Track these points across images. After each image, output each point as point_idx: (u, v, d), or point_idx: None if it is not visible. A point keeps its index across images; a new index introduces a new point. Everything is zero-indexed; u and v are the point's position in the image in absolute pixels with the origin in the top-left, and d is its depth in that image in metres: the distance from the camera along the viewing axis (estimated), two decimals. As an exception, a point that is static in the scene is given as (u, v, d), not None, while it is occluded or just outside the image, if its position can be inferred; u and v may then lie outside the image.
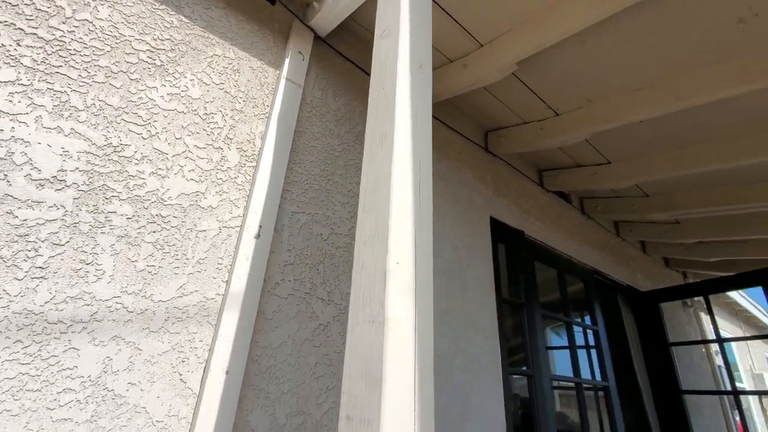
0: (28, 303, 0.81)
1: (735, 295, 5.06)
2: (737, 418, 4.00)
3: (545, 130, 2.00)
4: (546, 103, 1.91)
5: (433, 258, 1.63)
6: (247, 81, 1.34)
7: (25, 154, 0.88)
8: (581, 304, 2.77)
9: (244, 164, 1.24)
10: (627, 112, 1.71)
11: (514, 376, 2.00)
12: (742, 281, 2.80)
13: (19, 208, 0.85)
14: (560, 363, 3.80)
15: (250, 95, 1.33)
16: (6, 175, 0.85)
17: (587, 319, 2.73)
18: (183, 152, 1.12)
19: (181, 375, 0.94)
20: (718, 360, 4.20)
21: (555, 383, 2.18)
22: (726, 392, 2.87)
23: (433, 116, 1.98)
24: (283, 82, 1.39)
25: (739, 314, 5.64)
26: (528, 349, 1.97)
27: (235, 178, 1.21)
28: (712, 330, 3.15)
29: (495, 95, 1.93)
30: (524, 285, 2.13)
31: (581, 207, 2.98)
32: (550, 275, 2.59)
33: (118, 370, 0.87)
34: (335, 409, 1.18)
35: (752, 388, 5.23)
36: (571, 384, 2.35)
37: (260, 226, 1.16)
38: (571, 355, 2.42)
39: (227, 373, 0.97)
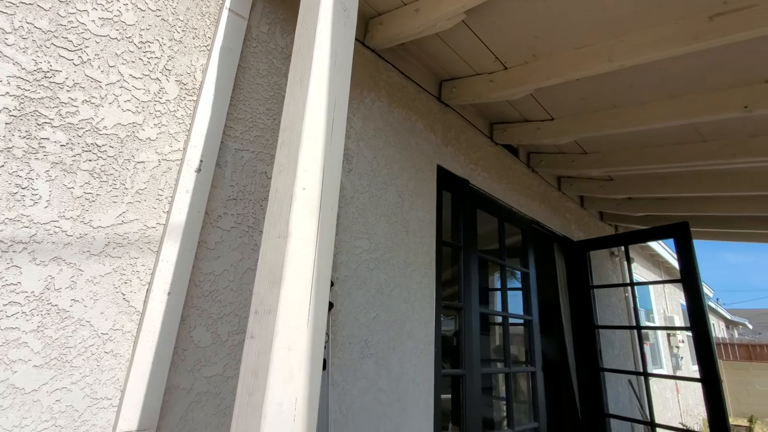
0: (-38, 222, 0.84)
1: (657, 247, 5.66)
2: (642, 352, 4.67)
3: (494, 83, 2.08)
4: (495, 55, 1.97)
5: (376, 200, 1.72)
6: (186, 9, 1.29)
7: (-58, 72, 0.86)
8: (518, 251, 3.04)
9: (184, 97, 1.24)
10: (566, 70, 1.80)
11: (449, 312, 2.24)
12: (656, 233, 3.16)
13: (-58, 128, 0.84)
14: (503, 304, 4.17)
15: (190, 25, 1.29)
16: (-77, 93, 0.83)
17: (524, 264, 3.01)
18: (117, 81, 1.11)
19: (124, 295, 1.02)
20: (619, 303, 4.79)
21: (503, 324, 2.44)
22: (629, 327, 3.32)
23: (387, 62, 2.00)
24: (225, 12, 1.35)
25: (661, 264, 6.34)
26: (461, 286, 2.20)
27: (175, 111, 1.21)
28: (627, 276, 3.57)
29: (448, 44, 1.95)
30: (464, 230, 2.31)
31: (527, 161, 3.16)
32: (494, 226, 2.80)
33: (60, 288, 0.93)
34: (275, 330, 1.32)
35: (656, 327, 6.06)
36: (500, 318, 2.66)
37: (201, 161, 1.20)
38: (501, 295, 2.70)
39: (169, 294, 1.06)
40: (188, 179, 1.17)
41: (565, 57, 1.82)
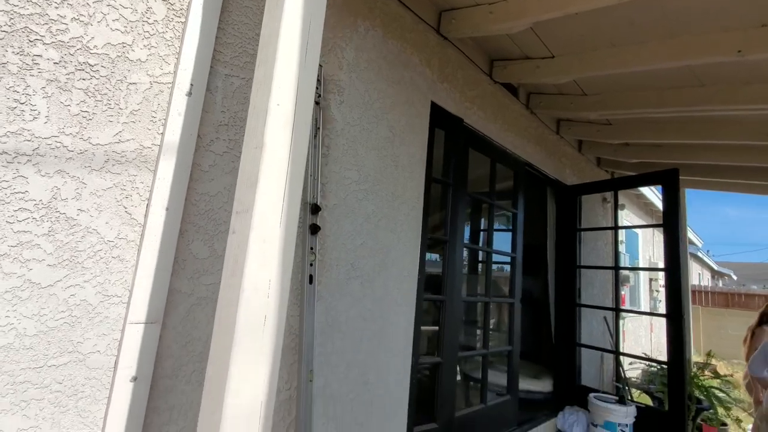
0: (-31, 133, 0.91)
1: (652, 196, 5.73)
2: (622, 293, 4.94)
3: (494, 14, 2.01)
4: (496, -16, 1.88)
5: (366, 133, 1.76)
6: None
7: (-70, -18, 0.87)
8: (508, 193, 3.11)
9: (172, 19, 1.24)
10: (566, 2, 1.74)
11: (435, 245, 2.36)
12: (646, 179, 3.22)
13: (-62, 40, 0.88)
14: (488, 241, 4.34)
15: (174, -61, 1.25)
16: None
17: (513, 205, 3.09)
18: (103, 1, 1.11)
19: (126, 208, 1.12)
20: (621, 247, 4.98)
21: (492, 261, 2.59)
22: (608, 267, 3.50)
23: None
24: (211, -73, 1.30)
25: (654, 213, 6.45)
26: (448, 222, 2.30)
27: (164, 33, 1.22)
28: (621, 222, 3.68)
29: (447, -30, 1.86)
30: (455, 168, 2.36)
31: (527, 102, 3.12)
32: (487, 169, 2.84)
33: (67, 198, 1.02)
34: (267, 249, 1.44)
35: (644, 275, 6.34)
36: (488, 251, 2.81)
37: (191, 85, 1.23)
38: (488, 233, 2.82)
39: (167, 209, 1.15)
40: (180, 102, 1.21)
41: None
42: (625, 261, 4.96)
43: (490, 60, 2.69)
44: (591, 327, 3.97)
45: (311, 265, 1.43)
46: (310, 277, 1.42)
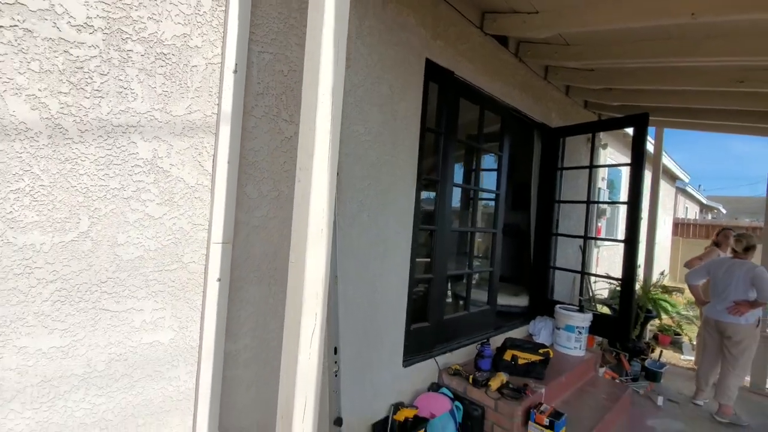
0: (97, 113, 1.30)
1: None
2: (598, 224, 5.47)
3: (482, -23, 2.24)
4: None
5: (370, 93, 2.11)
6: None
7: (62, 5, 1.21)
8: (496, 136, 3.47)
9: (216, 9, 1.56)
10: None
11: (428, 185, 2.79)
12: (619, 123, 3.56)
13: (71, 47, 1.24)
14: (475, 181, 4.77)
15: (211, -63, 1.52)
16: (55, 23, 1.20)
17: (498, 148, 3.47)
18: (167, -2, 1.43)
19: (200, 162, 1.54)
20: (601, 184, 5.42)
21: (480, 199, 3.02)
22: (581, 201, 3.96)
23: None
24: None
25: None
26: (440, 165, 2.72)
27: (211, 21, 1.55)
28: (606, 159, 4.08)
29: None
30: (446, 117, 2.72)
31: (516, 51, 3.36)
32: (478, 114, 3.17)
33: (162, 156, 1.44)
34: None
35: (624, 207, 6.84)
36: (474, 188, 3.26)
37: (236, 63, 1.59)
38: (475, 173, 3.24)
39: (228, 162, 1.57)
40: (229, 78, 1.57)
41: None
42: (604, 196, 5.43)
43: (482, 13, 2.90)
44: (566, 253, 4.56)
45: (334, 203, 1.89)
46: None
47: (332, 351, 1.86)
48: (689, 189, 13.58)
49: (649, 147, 6.51)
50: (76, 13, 1.24)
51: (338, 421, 1.80)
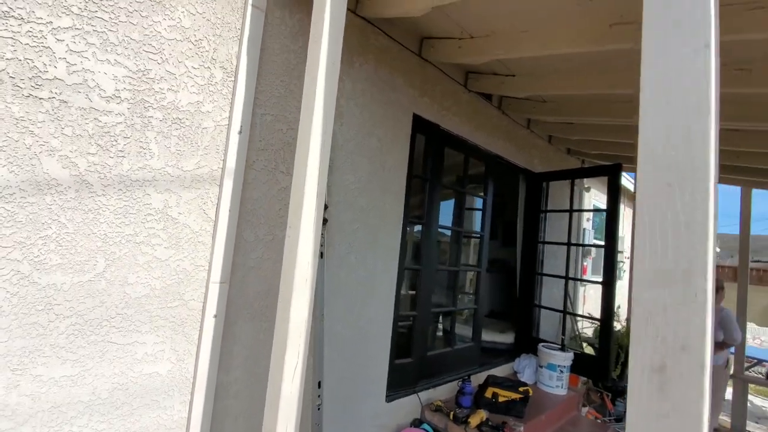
0: (119, 171, 1.52)
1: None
2: (584, 263, 5.64)
3: (462, 48, 2.54)
4: (462, 27, 2.41)
5: (360, 146, 2.35)
6: (221, 8, 1.78)
7: (93, 79, 1.45)
8: (481, 178, 3.71)
9: (226, 79, 1.81)
10: (513, 47, 2.28)
11: (414, 227, 3.00)
12: (595, 172, 3.81)
13: (101, 115, 1.47)
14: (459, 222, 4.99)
15: (225, 21, 1.80)
16: (87, 95, 1.44)
17: (482, 191, 3.71)
18: (185, 72, 1.68)
19: (204, 210, 1.74)
20: (586, 224, 5.64)
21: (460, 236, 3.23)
22: (562, 243, 4.15)
23: (374, 26, 2.42)
24: (249, 8, 1.84)
25: (626, 193, 7.09)
26: (425, 208, 2.94)
27: (221, 90, 1.80)
28: (589, 201, 4.31)
29: (427, 17, 2.38)
30: (432, 165, 2.97)
31: (499, 104, 3.66)
32: (462, 161, 3.43)
33: (171, 206, 1.65)
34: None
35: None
36: (458, 230, 3.46)
37: (241, 125, 1.82)
38: (459, 215, 3.46)
39: (230, 210, 1.77)
40: (234, 138, 1.80)
41: (513, 36, 2.28)
42: (589, 236, 5.64)
43: (466, 73, 3.21)
44: (552, 292, 4.70)
45: (322, 246, 2.08)
46: (321, 254, 2.07)
47: (316, 385, 1.99)
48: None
49: (631, 187, 6.81)
50: (106, 86, 1.48)
51: (319, 453, 1.91)
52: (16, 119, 1.30)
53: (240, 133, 1.82)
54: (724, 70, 2.01)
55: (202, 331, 1.72)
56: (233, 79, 1.83)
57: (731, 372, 4.49)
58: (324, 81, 1.26)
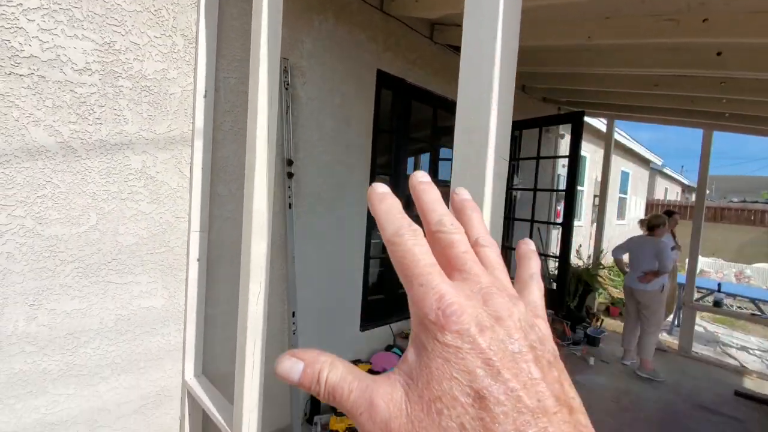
0: (99, 136, 1.72)
1: (596, 123, 6.45)
2: (558, 207, 5.94)
3: (419, 2, 2.62)
4: (417, -18, 2.48)
5: (323, 104, 2.53)
6: (177, -24, 1.89)
7: (65, 54, 1.62)
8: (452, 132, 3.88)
9: (187, 46, 1.96)
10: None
11: (381, 176, 3.23)
12: (559, 120, 3.98)
13: (76, 87, 1.65)
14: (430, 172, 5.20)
15: (182, -12, 1.91)
16: (62, 69, 1.61)
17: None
18: (148, 42, 1.83)
19: (179, 168, 1.97)
20: (561, 170, 5.86)
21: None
22: (529, 189, 4.40)
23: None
24: (204, -26, 1.94)
25: (602, 137, 7.22)
26: (392, 161, 3.15)
27: (184, 57, 1.95)
28: (562, 148, 4.51)
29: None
30: (398, 119, 3.14)
31: (467, 54, 3.73)
32: (432, 115, 3.58)
33: (149, 166, 1.87)
34: (262, 188, 2.32)
35: (588, 191, 7.33)
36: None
37: (206, 89, 2.00)
38: (433, 166, 3.68)
39: (202, 168, 2.00)
40: (200, 102, 1.99)
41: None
42: (563, 182, 5.89)
43: (431, 25, 3.27)
44: (523, 235, 5.04)
45: (289, 197, 2.33)
46: (290, 204, 2.33)
47: (291, 314, 2.34)
48: (668, 171, 14.05)
49: (617, 137, 6.95)
50: (77, 60, 1.65)
51: (295, 368, 2.30)
52: (2, 95, 1.50)
53: (205, 97, 2.00)
54: (655, 20, 2.15)
55: (188, 272, 2.03)
56: (194, 45, 1.98)
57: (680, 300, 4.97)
58: (267, 39, 1.43)
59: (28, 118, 1.56)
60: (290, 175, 2.32)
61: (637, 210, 10.86)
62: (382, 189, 0.24)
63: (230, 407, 1.71)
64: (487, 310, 0.18)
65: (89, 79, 1.68)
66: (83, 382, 1.77)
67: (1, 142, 1.51)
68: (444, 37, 3.27)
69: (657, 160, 10.94)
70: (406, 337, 3.23)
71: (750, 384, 3.95)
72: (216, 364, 2.19)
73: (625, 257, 4.12)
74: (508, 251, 4.57)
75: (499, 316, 0.18)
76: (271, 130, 1.49)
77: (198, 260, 2.03)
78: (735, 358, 4.71)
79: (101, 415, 1.83)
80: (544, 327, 0.19)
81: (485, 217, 0.79)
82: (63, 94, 1.63)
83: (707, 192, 4.57)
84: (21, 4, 1.51)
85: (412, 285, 0.19)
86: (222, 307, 2.21)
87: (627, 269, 4.05)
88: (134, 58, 1.79)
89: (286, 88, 2.30)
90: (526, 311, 0.19)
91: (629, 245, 4.03)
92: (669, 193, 16.31)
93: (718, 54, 2.48)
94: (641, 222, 4.24)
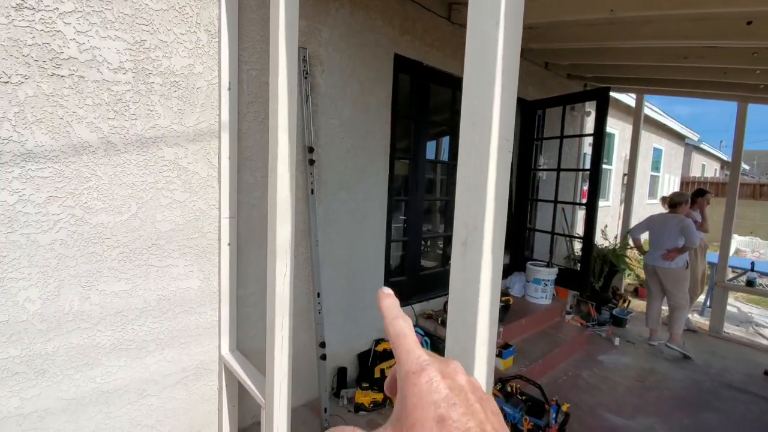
0: (135, 131, 1.85)
1: (626, 99, 6.17)
2: (585, 188, 5.80)
3: (435, -17, 2.59)
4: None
5: (342, 90, 2.58)
6: (199, -27, 1.96)
7: (101, 55, 1.74)
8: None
9: (211, 41, 2.05)
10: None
11: (401, 161, 3.27)
12: (584, 96, 3.86)
13: (112, 85, 1.77)
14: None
15: (203, -16, 1.98)
16: (98, 69, 1.73)
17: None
18: (174, 39, 1.93)
19: (209, 159, 2.09)
20: (588, 149, 5.70)
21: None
22: (552, 169, 4.32)
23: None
24: (224, -31, 2.00)
25: (632, 113, 6.91)
26: (411, 145, 3.18)
27: (208, 51, 2.04)
28: (587, 127, 4.40)
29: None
30: (416, 104, 3.15)
31: (487, 33, 3.66)
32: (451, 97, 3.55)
33: (181, 157, 2.00)
34: (285, 175, 2.41)
35: (617, 170, 7.08)
36: (442, 161, 3.72)
37: (230, 82, 2.09)
38: (450, 148, 3.68)
39: (229, 158, 2.11)
40: (225, 95, 2.08)
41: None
42: (587, 161, 5.73)
43: (449, 4, 3.23)
44: (547, 216, 4.98)
45: (312, 183, 2.43)
46: (312, 190, 2.43)
47: (316, 295, 2.46)
48: (705, 146, 13.30)
49: (648, 111, 6.65)
50: (112, 59, 1.77)
51: (322, 344, 2.43)
52: (47, 95, 1.64)
53: (229, 89, 2.09)
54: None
55: (221, 256, 2.17)
56: (217, 39, 2.06)
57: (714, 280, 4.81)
58: (284, 30, 1.50)
59: (72, 116, 1.69)
60: (311, 162, 2.40)
61: (671, 188, 10.41)
62: (387, 291, 0.33)
63: (263, 378, 1.85)
64: (447, 368, 0.26)
65: (123, 78, 1.80)
66: (132, 356, 1.95)
67: (50, 139, 1.65)
68: (462, 17, 3.22)
69: (693, 136, 10.36)
70: (428, 317, 3.32)
71: (785, 365, 3.83)
72: (249, 340, 2.35)
73: (644, 236, 4.03)
74: (531, 232, 4.54)
75: (456, 371, 0.26)
76: (292, 119, 1.56)
77: (229, 245, 2.16)
78: (770, 339, 4.55)
79: (149, 385, 2.02)
80: (478, 384, 0.27)
81: (489, 200, 0.84)
82: (101, 93, 1.75)
83: (747, 168, 4.33)
84: (57, 8, 1.63)
85: (402, 352, 0.27)
86: (251, 288, 2.35)
87: (646, 249, 3.98)
88: (163, 55, 1.90)
89: (305, 77, 2.37)
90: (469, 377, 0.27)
91: (649, 224, 3.94)
92: (707, 170, 15.47)
93: (749, 23, 2.35)
94: (662, 199, 4.13)
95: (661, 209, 4.30)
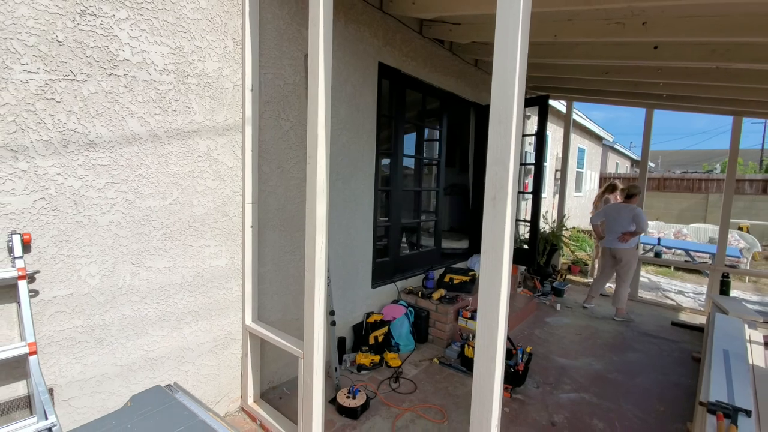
0: (176, 125, 2.10)
1: (558, 105, 7.20)
2: (526, 181, 6.66)
3: (416, 5, 3.08)
4: (415, -12, 2.94)
5: (339, 93, 3.00)
6: (226, -12, 2.25)
7: (149, 58, 1.98)
8: (437, 113, 4.40)
9: (236, 47, 2.34)
10: (455, 7, 2.86)
11: (384, 157, 3.72)
12: (528, 102, 4.58)
13: (158, 85, 2.01)
14: (419, 151, 5.72)
15: (230, -2, 2.28)
16: (147, 70, 1.97)
17: (438, 124, 4.42)
18: (207, 45, 2.20)
19: (234, 151, 2.37)
20: (528, 148, 6.57)
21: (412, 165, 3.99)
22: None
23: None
24: (247, -14, 2.31)
25: (563, 117, 8.01)
26: (392, 142, 3.64)
27: (234, 57, 2.33)
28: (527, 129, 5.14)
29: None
30: (395, 105, 3.61)
31: (450, 48, 4.24)
32: (421, 100, 4.07)
33: (212, 149, 2.27)
34: (296, 166, 2.75)
35: (550, 166, 8.17)
36: (419, 158, 4.23)
37: (252, 84, 2.39)
38: (420, 145, 4.20)
39: (252, 151, 2.41)
40: (248, 95, 2.38)
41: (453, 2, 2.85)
42: (530, 158, 6.61)
43: (420, 21, 3.74)
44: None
45: (319, 173, 2.78)
46: (319, 179, 2.79)
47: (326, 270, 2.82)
48: (618, 147, 15.38)
49: (577, 118, 7.75)
50: (158, 62, 2.01)
51: (332, 313, 2.79)
52: (106, 92, 1.85)
53: (252, 90, 2.39)
54: (606, 23, 2.75)
55: (244, 237, 2.46)
56: (241, 47, 2.36)
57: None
58: (323, 47, 1.87)
59: (126, 111, 1.92)
60: (319, 154, 2.76)
61: (592, 183, 11.98)
62: None
63: (292, 338, 2.20)
64: None
65: (167, 78, 2.05)
66: (173, 326, 2.19)
67: (107, 131, 1.87)
68: (431, 32, 3.74)
69: (609, 137, 12.04)
70: (409, 292, 3.79)
71: (684, 317, 4.87)
72: (266, 312, 2.66)
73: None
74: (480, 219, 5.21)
75: None
76: (327, 118, 1.94)
77: (252, 227, 2.46)
78: (673, 300, 5.67)
79: (186, 353, 2.26)
80: None
81: (510, 170, 1.32)
82: (149, 91, 1.99)
83: (652, 165, 5.37)
84: (114, 15, 1.86)
85: None
86: (268, 267, 2.65)
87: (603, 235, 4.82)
88: (198, 59, 2.17)
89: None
90: None
91: (606, 212, 4.77)
92: (620, 167, 17.83)
93: (655, 48, 3.13)
94: (621, 191, 4.98)
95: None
